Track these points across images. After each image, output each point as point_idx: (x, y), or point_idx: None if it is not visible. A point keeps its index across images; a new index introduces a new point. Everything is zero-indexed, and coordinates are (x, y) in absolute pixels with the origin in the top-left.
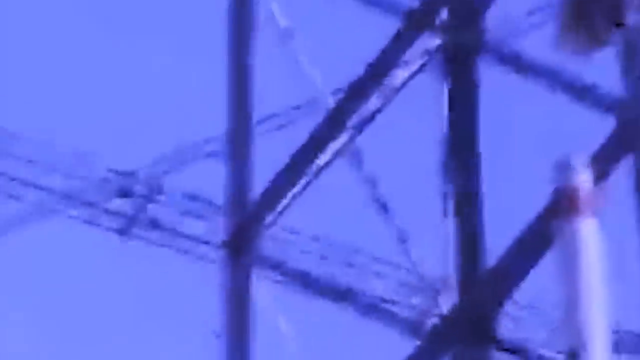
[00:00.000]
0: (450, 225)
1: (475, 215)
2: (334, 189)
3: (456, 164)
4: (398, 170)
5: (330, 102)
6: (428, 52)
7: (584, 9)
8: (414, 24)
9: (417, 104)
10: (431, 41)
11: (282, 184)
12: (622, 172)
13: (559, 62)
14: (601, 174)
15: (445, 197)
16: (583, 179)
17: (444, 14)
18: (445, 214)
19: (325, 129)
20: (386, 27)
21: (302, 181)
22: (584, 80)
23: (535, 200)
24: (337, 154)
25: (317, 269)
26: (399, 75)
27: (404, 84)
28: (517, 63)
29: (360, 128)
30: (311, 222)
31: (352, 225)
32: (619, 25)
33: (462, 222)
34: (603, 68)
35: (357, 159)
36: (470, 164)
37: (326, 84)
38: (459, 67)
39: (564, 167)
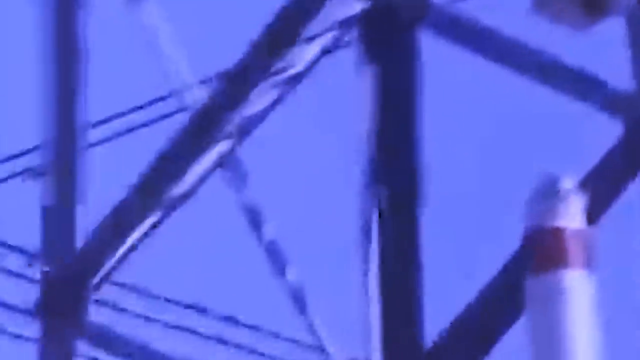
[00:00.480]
0: (373, 289)
1: (413, 278)
2: (201, 222)
3: (386, 179)
4: (298, 192)
5: (200, 97)
6: (344, 22)
7: None
8: None
9: (328, 95)
10: (348, 6)
11: (123, 220)
12: (628, 199)
13: (536, 35)
14: (599, 204)
15: (366, 240)
16: (571, 212)
17: None
18: (365, 271)
19: (192, 136)
20: None
21: (154, 214)
22: (574, 64)
23: (500, 238)
24: (209, 171)
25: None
26: (301, 55)
27: (308, 68)
28: (472, 35)
29: (243, 133)
30: (162, 274)
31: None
32: None
33: (392, 283)
34: (603, 48)
35: (238, 177)
36: (407, 180)
37: (195, 74)
38: (389, 42)
39: (542, 195)
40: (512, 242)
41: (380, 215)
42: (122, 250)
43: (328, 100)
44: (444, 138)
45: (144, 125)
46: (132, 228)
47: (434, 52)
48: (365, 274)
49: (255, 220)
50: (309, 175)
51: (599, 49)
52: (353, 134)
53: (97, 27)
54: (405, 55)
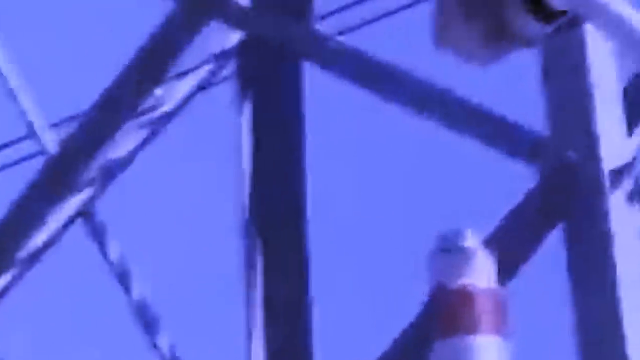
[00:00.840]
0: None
1: (302, 330)
2: (60, 279)
3: (266, 220)
4: (171, 239)
5: (57, 139)
6: (220, 54)
7: None
8: (193, 9)
9: (204, 133)
10: (224, 37)
11: None
12: (542, 255)
13: (436, 69)
14: (511, 260)
15: (249, 300)
16: (479, 270)
17: None
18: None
19: (49, 183)
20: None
21: (5, 273)
22: (481, 104)
23: (399, 303)
24: (69, 221)
25: None
26: (172, 91)
27: (180, 106)
28: (364, 70)
29: (107, 178)
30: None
31: None
32: (544, 16)
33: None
34: (514, 86)
35: (101, 227)
36: (289, 223)
37: (51, 114)
38: (269, 75)
39: (446, 250)
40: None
41: (262, 258)
42: None
43: (203, 139)
44: (330, 181)
45: None
46: None
47: (322, 88)
48: (249, 333)
49: (122, 274)
50: (183, 219)
51: (510, 86)
52: (231, 173)
53: None
54: (287, 89)
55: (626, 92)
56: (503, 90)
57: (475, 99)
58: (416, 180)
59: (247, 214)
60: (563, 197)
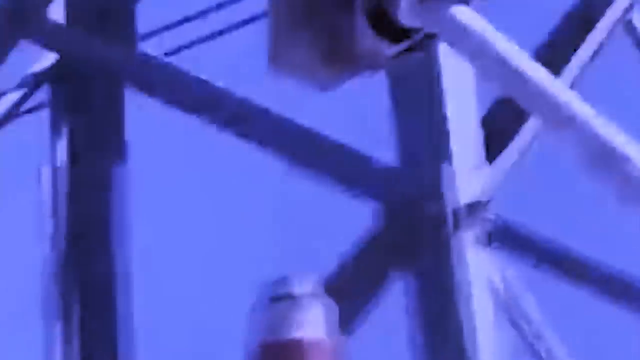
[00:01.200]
0: None
1: None
2: None
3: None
4: None
5: None
6: (31, 78)
7: None
8: (11, 20)
9: (9, 171)
10: (36, 59)
11: None
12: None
13: (272, 94)
14: (350, 307)
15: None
16: (312, 321)
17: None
18: None
19: None
20: None
21: None
22: (316, 131)
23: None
24: None
25: None
26: None
27: None
28: (188, 94)
29: None
30: None
31: None
32: (393, 34)
33: None
34: (360, 113)
35: None
36: (106, 267)
37: None
38: (86, 100)
39: (274, 301)
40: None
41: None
42: None
43: (12, 173)
44: (154, 213)
45: None
46: None
47: (145, 113)
48: None
49: None
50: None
51: (355, 114)
52: (45, 207)
53: None
54: (106, 116)
55: (485, 122)
56: (347, 118)
57: (315, 127)
58: (246, 217)
59: (60, 259)
60: (410, 237)
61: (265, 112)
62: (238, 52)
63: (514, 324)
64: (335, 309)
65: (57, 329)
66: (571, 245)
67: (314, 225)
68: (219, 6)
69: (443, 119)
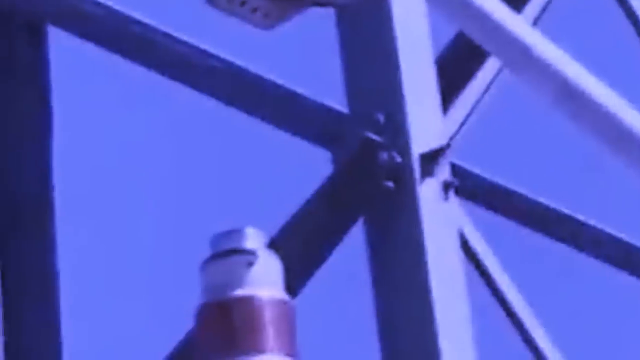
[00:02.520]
0: None
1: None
2: None
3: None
4: None
5: None
6: None
7: None
8: None
9: None
10: None
11: None
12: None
13: (208, 32)
14: (300, 265)
15: None
16: (262, 278)
17: None
18: None
19: None
20: None
21: None
22: (260, 74)
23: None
24: None
25: None
26: None
27: None
28: (115, 33)
29: None
30: None
31: None
32: None
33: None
34: (303, 52)
35: None
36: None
37: None
38: (8, 45)
39: (221, 256)
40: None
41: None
42: None
43: None
44: (84, 164)
45: None
46: None
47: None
48: None
49: None
50: None
51: (302, 54)
52: None
53: None
54: (30, 55)
55: (441, 62)
56: (293, 59)
57: (258, 70)
58: (186, 166)
59: None
60: (363, 187)
61: (204, 54)
62: None
63: (482, 278)
64: (278, 263)
65: None
66: (535, 195)
67: (262, 176)
68: None
69: (395, 57)
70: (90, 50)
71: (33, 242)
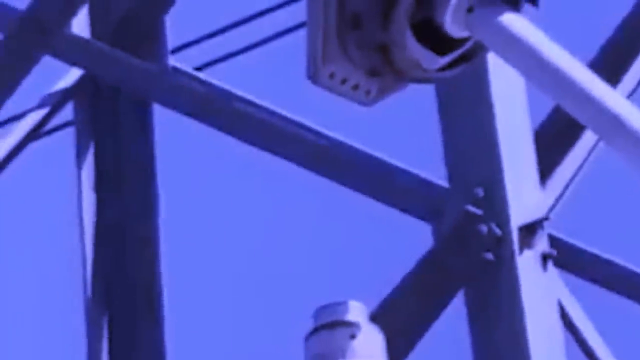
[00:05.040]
0: None
1: None
2: None
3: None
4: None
5: None
6: (54, 95)
7: (361, 6)
8: (21, 40)
9: (37, 189)
10: (60, 76)
11: None
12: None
13: (311, 109)
14: (404, 334)
15: None
16: (365, 349)
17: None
18: None
19: None
20: None
21: None
22: (362, 149)
23: None
24: None
25: None
26: (3, 142)
27: (7, 159)
28: (216, 110)
29: None
30: None
31: None
32: (440, 45)
33: None
34: (404, 129)
35: None
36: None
37: None
38: (113, 119)
39: (325, 328)
40: None
41: (112, 329)
42: None
43: (36, 195)
44: (189, 236)
45: None
46: None
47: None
48: None
49: None
50: (13, 289)
51: (403, 131)
52: (71, 235)
53: None
54: (134, 134)
55: (539, 135)
56: (395, 135)
57: (360, 145)
58: (289, 242)
59: (90, 283)
60: (464, 260)
61: (302, 128)
62: (269, 66)
63: (581, 348)
64: (381, 335)
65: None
66: (632, 265)
67: (364, 249)
68: (250, 19)
69: (494, 132)
70: (192, 125)
71: (145, 323)
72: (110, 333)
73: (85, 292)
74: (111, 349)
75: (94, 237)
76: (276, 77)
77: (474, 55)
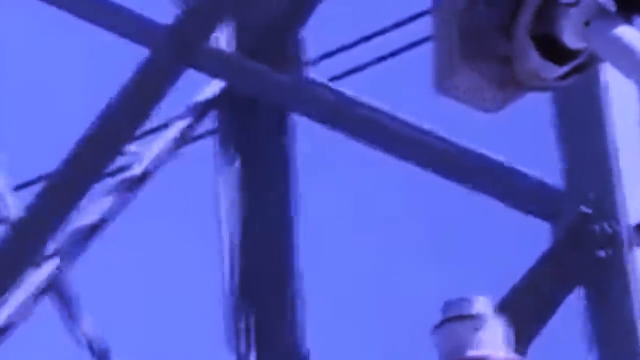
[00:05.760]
0: None
1: None
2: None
3: (255, 289)
4: (149, 315)
5: (18, 207)
6: (199, 106)
7: (483, 19)
8: (168, 56)
9: (183, 196)
10: (204, 87)
11: None
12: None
13: (438, 117)
14: (526, 327)
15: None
16: (491, 340)
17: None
18: None
19: (10, 255)
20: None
21: None
22: (484, 154)
23: None
24: (34, 296)
25: None
26: (146, 149)
27: (155, 165)
28: (355, 120)
29: (74, 248)
30: None
31: None
32: (558, 56)
33: None
34: (524, 134)
35: (69, 302)
36: (280, 289)
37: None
38: (255, 127)
39: (454, 321)
40: None
41: (249, 329)
42: None
43: (181, 201)
44: (325, 243)
45: None
46: None
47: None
48: None
49: (98, 352)
50: (161, 290)
51: (523, 136)
52: (214, 239)
53: None
54: (274, 143)
55: None
56: (514, 140)
57: (482, 150)
58: (420, 242)
59: (233, 283)
60: (579, 257)
61: (429, 135)
62: (402, 76)
63: None
64: (510, 328)
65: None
66: None
67: (485, 249)
68: (384, 31)
69: (610, 136)
70: (329, 135)
71: (285, 321)
72: (254, 331)
73: (226, 293)
74: (255, 346)
75: (234, 240)
76: (405, 87)
77: (589, 66)
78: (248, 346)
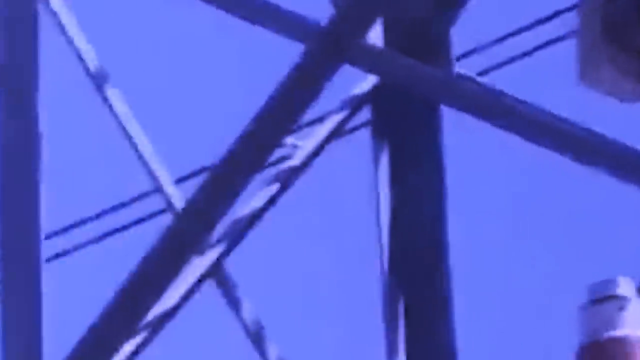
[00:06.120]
0: None
1: None
2: (190, 343)
3: (408, 283)
4: (302, 304)
5: (182, 198)
6: (352, 101)
7: (624, 13)
8: (324, 52)
9: (336, 188)
10: (357, 82)
11: (97, 346)
12: None
13: (583, 110)
14: None
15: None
16: (635, 320)
17: (374, 36)
18: None
19: (174, 244)
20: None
21: (134, 337)
22: (627, 144)
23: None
24: (196, 284)
25: None
26: (302, 143)
27: (310, 157)
28: (504, 113)
29: (234, 238)
30: None
31: None
32: None
33: None
34: None
35: (230, 289)
36: (432, 284)
37: (175, 170)
38: (407, 122)
39: (597, 302)
40: None
41: (404, 321)
42: None
43: (336, 191)
44: (474, 230)
45: (116, 231)
46: (108, 356)
47: (462, 134)
48: None
49: (257, 337)
50: (314, 283)
51: None
52: (368, 231)
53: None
54: (425, 136)
55: None
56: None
57: (626, 140)
58: (565, 228)
59: (386, 269)
60: None
61: (570, 124)
62: (549, 70)
63: None
64: None
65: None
66: None
67: (628, 233)
68: (529, 27)
69: None
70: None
71: (438, 314)
72: (406, 325)
73: (382, 285)
74: (407, 340)
75: (389, 231)
76: (550, 80)
77: None
78: (401, 337)
